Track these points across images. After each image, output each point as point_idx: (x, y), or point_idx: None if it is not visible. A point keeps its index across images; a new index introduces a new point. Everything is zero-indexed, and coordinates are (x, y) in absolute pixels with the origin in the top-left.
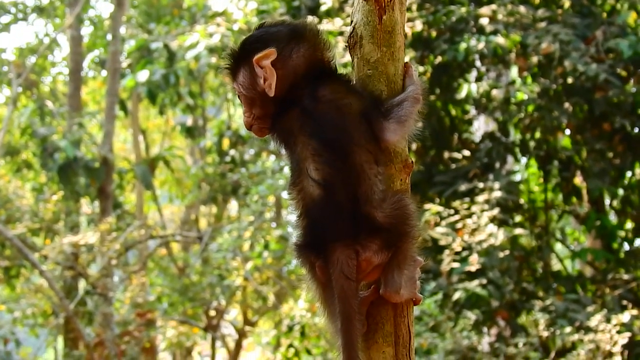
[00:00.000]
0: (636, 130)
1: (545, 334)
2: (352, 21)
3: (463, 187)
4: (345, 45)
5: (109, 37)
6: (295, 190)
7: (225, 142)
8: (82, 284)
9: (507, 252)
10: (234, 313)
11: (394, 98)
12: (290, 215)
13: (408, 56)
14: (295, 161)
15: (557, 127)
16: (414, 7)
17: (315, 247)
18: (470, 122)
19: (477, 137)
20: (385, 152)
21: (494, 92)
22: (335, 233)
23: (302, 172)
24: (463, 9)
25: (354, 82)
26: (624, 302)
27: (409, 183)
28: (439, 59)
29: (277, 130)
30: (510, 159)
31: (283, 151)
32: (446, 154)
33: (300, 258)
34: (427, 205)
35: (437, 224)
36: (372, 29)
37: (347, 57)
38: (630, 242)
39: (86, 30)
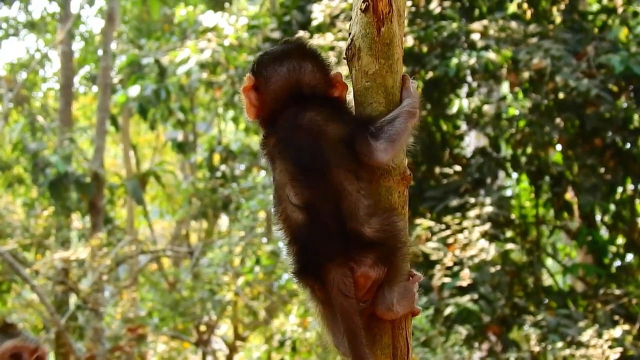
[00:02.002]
0: (628, 145)
1: (536, 349)
2: (350, 33)
3: (454, 202)
4: (344, 57)
5: (100, 52)
6: (281, 219)
7: (216, 158)
8: (73, 299)
9: (498, 267)
10: (225, 328)
11: (387, 114)
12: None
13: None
14: (275, 188)
15: (548, 142)
16: (405, 22)
17: (310, 271)
18: (461, 138)
19: (468, 153)
20: (367, 167)
21: (485, 107)
22: (325, 254)
23: (283, 198)
24: (454, 25)
25: (345, 104)
26: (616, 317)
27: (407, 195)
28: (430, 74)
29: (263, 154)
30: (501, 174)
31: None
32: (437, 169)
33: (299, 282)
34: (419, 220)
35: (428, 239)
36: (371, 41)
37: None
38: (622, 258)
39: (77, 45)
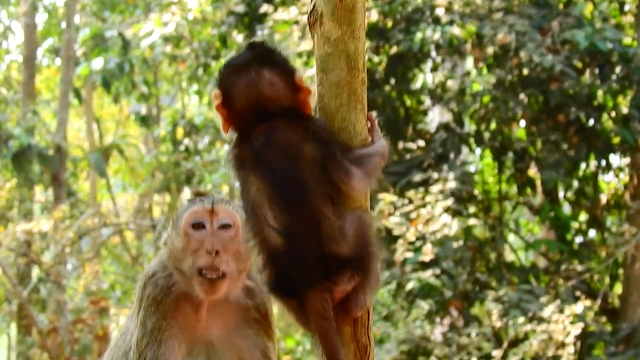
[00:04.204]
0: (591, 122)
1: (498, 324)
2: None
3: (417, 177)
4: (306, 23)
5: (64, 25)
6: (256, 239)
7: (179, 131)
8: (35, 272)
9: (460, 242)
10: None
11: (364, 148)
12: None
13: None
14: (249, 204)
15: (512, 118)
16: None
17: (288, 294)
18: (425, 113)
19: (432, 128)
20: (338, 190)
21: (449, 82)
22: (306, 282)
23: (260, 219)
24: None
25: (316, 121)
26: (577, 293)
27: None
28: (395, 49)
29: (232, 162)
30: (464, 149)
31: (236, 182)
32: (401, 144)
33: (276, 300)
34: (381, 195)
35: (391, 214)
36: (333, 7)
37: (302, 47)
38: (584, 234)
39: (40, 18)
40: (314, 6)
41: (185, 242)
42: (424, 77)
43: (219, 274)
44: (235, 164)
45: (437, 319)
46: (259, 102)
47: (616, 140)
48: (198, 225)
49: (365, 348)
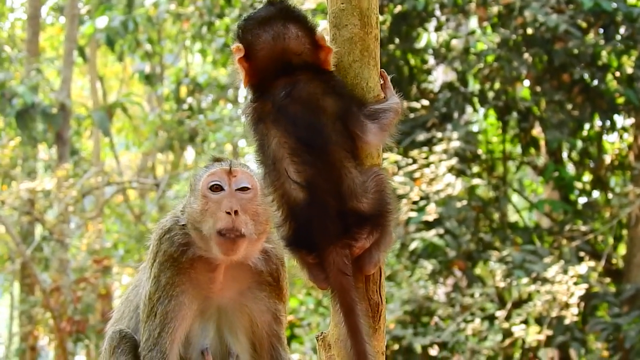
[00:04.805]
0: (595, 81)
1: (501, 284)
2: None
3: (421, 137)
4: None
5: None
6: (277, 193)
7: (183, 90)
8: (38, 230)
9: (464, 202)
10: None
11: (378, 104)
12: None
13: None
14: (269, 158)
15: (516, 77)
16: None
17: (308, 249)
18: (429, 72)
19: (436, 87)
20: (358, 145)
21: (454, 42)
22: (327, 237)
23: (281, 173)
24: None
25: (336, 77)
26: (581, 254)
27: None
28: (399, 7)
29: (250, 116)
30: (468, 109)
31: (252, 138)
32: (405, 104)
33: (292, 255)
34: (385, 154)
35: (395, 173)
36: None
37: (307, 5)
38: (588, 194)
39: None
40: None
41: (204, 204)
42: (428, 36)
43: (238, 234)
44: (253, 117)
45: (441, 279)
46: (284, 54)
47: (620, 100)
48: (216, 187)
49: (377, 306)
